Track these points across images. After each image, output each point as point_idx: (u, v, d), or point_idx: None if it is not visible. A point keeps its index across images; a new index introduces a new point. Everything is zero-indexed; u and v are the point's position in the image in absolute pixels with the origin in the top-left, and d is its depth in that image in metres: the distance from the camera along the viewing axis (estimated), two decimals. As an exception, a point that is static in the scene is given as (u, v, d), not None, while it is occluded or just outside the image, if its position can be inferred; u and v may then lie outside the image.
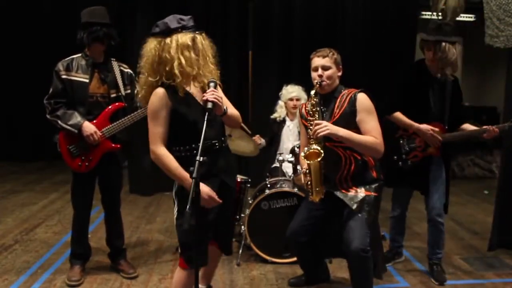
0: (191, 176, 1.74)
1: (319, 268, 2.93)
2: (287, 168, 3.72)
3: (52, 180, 5.76)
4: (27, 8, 6.52)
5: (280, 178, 3.52)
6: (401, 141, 2.94)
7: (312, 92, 2.41)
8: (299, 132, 3.86)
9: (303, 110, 2.55)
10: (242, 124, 3.68)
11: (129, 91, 2.95)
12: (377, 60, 5.64)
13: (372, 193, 2.44)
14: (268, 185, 3.39)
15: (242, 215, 3.46)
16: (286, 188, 3.28)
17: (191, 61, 1.99)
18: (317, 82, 2.41)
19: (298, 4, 5.74)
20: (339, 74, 2.49)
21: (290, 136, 3.91)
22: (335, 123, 2.37)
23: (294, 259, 3.22)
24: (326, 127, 2.27)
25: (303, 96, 3.88)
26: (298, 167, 3.30)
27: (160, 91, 2.02)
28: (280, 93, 3.99)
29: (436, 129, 2.83)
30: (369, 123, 2.38)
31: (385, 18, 6.20)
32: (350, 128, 2.35)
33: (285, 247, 3.20)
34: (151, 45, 2.03)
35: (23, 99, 6.43)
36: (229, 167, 2.25)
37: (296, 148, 3.38)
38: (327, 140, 2.41)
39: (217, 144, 2.13)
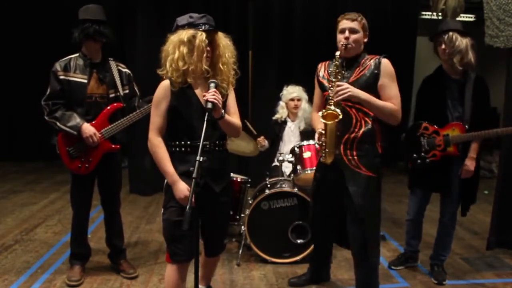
0: (189, 176, 1.74)
1: (325, 264, 2.95)
2: (285, 168, 3.71)
3: (52, 180, 5.77)
4: (27, 8, 6.52)
5: (280, 178, 3.51)
6: (421, 140, 2.94)
7: (337, 53, 2.38)
8: (300, 132, 3.86)
9: (322, 70, 2.57)
10: (249, 124, 3.69)
11: (127, 91, 2.94)
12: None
13: (373, 175, 2.42)
14: (268, 185, 3.39)
15: (242, 215, 3.47)
16: (286, 188, 3.27)
17: (182, 56, 2.02)
18: (342, 44, 2.39)
19: (298, 4, 5.75)
20: (365, 40, 2.48)
21: (291, 137, 3.89)
22: (354, 82, 2.36)
23: (294, 259, 3.24)
24: (348, 89, 2.27)
25: (304, 96, 3.87)
26: (298, 167, 3.30)
27: (165, 83, 2.10)
28: (281, 94, 3.98)
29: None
30: (391, 90, 2.39)
31: (385, 18, 6.21)
32: (368, 91, 2.33)
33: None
34: (166, 41, 2.10)
35: (23, 99, 6.42)
36: (219, 172, 2.21)
37: (296, 148, 3.38)
38: (344, 100, 2.39)
39: (207, 145, 2.11)
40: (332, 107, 2.35)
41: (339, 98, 2.28)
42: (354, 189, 2.41)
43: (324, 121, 2.37)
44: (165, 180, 2.16)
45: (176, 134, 2.13)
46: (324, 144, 2.43)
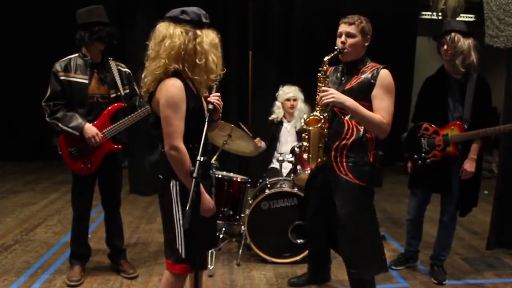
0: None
1: (324, 265, 2.94)
2: (284, 168, 3.70)
3: (52, 180, 5.76)
4: (27, 8, 6.52)
5: (280, 178, 3.51)
6: (422, 140, 2.94)
7: (326, 58, 2.36)
8: (296, 133, 3.86)
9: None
10: (243, 126, 3.68)
11: (127, 90, 2.94)
12: (377, 60, 5.64)
13: (361, 183, 2.36)
14: (268, 185, 3.39)
15: (242, 215, 3.47)
16: (286, 188, 3.28)
17: (218, 59, 1.96)
18: (337, 49, 2.36)
19: (298, 4, 5.74)
20: (366, 44, 2.41)
21: (288, 137, 3.89)
22: (349, 90, 2.34)
23: (294, 259, 3.24)
24: (331, 95, 2.24)
25: (300, 96, 3.87)
26: (298, 167, 3.30)
27: (179, 83, 1.90)
28: (276, 94, 3.97)
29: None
30: (382, 101, 2.30)
31: (385, 19, 6.21)
32: (362, 100, 2.29)
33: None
34: (176, 31, 1.89)
35: (23, 99, 6.42)
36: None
37: (296, 148, 3.38)
38: (336, 106, 2.37)
39: (209, 146, 2.13)
40: (315, 113, 2.36)
41: (323, 103, 2.28)
42: (339, 196, 2.41)
43: (306, 126, 2.37)
44: (176, 186, 1.98)
45: (187, 137, 1.98)
46: (307, 149, 2.43)
